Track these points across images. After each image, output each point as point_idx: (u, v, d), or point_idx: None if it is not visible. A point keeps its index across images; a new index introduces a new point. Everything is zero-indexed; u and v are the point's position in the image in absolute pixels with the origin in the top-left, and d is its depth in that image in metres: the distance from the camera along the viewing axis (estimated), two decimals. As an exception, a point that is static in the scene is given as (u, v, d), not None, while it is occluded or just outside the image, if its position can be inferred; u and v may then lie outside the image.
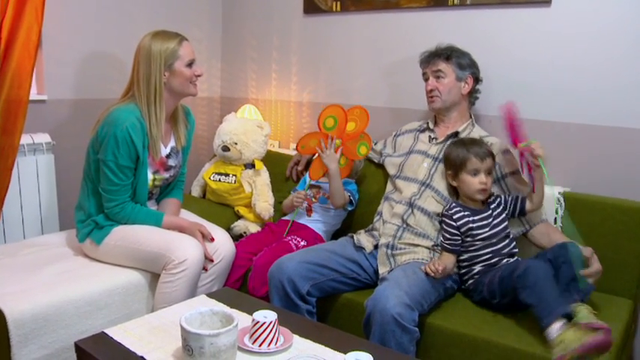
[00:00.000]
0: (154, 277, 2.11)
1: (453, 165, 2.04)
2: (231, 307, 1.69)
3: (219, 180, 2.73)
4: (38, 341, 1.78)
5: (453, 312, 1.90)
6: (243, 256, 2.30)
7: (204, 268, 2.13)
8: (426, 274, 1.88)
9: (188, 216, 2.36)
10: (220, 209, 2.72)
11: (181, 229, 2.16)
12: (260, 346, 1.49)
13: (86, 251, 2.19)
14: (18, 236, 2.49)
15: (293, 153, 2.83)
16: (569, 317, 1.59)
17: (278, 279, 1.98)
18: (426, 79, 2.26)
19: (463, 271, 2.02)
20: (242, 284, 2.28)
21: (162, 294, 2.03)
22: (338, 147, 2.32)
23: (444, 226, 2.02)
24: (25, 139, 2.46)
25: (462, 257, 2.01)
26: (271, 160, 2.84)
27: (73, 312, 1.87)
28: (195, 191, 2.90)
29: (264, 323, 1.50)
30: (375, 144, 2.53)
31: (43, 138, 2.55)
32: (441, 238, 2.04)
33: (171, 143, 2.26)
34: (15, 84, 2.28)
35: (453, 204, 2.03)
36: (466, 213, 1.99)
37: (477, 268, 1.97)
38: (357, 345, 1.51)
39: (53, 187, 2.60)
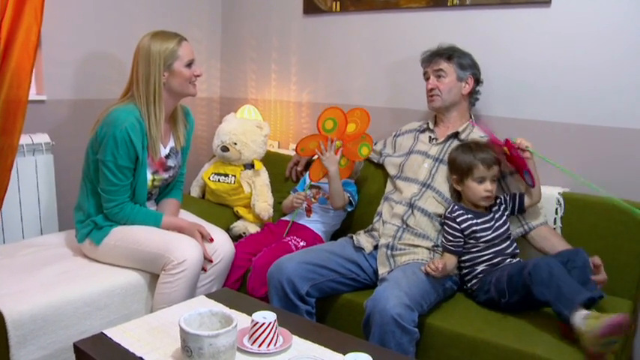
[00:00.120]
0: (153, 278, 2.10)
1: (458, 170, 2.02)
2: (230, 308, 1.69)
3: (219, 180, 2.73)
4: (37, 342, 1.78)
5: (453, 313, 1.90)
6: (243, 257, 2.29)
7: (204, 269, 2.13)
8: (426, 273, 1.87)
9: (187, 216, 2.36)
10: (219, 210, 2.72)
11: (180, 230, 2.16)
12: (259, 346, 1.49)
13: (85, 252, 2.19)
14: (17, 236, 2.49)
15: (292, 153, 2.83)
16: (587, 307, 1.61)
17: (277, 279, 1.98)
18: (427, 79, 2.26)
19: (465, 271, 2.01)
20: (241, 285, 2.28)
21: (162, 294, 2.03)
22: (338, 148, 2.31)
23: (447, 228, 2.02)
24: (25, 140, 2.45)
25: (463, 258, 2.00)
26: (271, 160, 2.84)
27: (72, 313, 1.87)
28: (195, 191, 2.90)
29: (264, 324, 1.49)
30: (375, 144, 2.52)
31: (42, 138, 2.54)
32: (443, 239, 2.04)
33: (171, 143, 2.25)
34: (14, 84, 2.28)
35: (456, 207, 2.03)
36: (469, 216, 1.99)
37: (480, 267, 1.97)
38: (357, 346, 1.51)
39: (52, 187, 2.59)
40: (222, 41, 3.41)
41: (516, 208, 2.03)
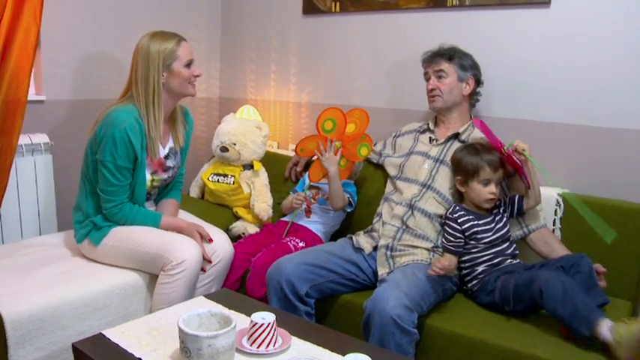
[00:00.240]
0: (152, 278, 2.10)
1: (464, 171, 2.02)
2: (229, 309, 1.69)
3: (218, 181, 2.72)
4: (35, 342, 1.78)
5: (453, 313, 1.90)
6: (242, 257, 2.29)
7: (203, 269, 2.12)
8: (431, 274, 1.87)
9: (186, 217, 2.35)
10: (219, 210, 2.72)
11: (179, 230, 2.16)
12: (258, 347, 1.49)
13: (84, 252, 2.18)
14: (16, 237, 2.49)
15: (292, 154, 2.83)
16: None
17: (276, 280, 1.98)
18: (428, 79, 2.26)
19: (465, 272, 2.01)
20: (240, 285, 2.28)
21: (161, 295, 2.02)
22: (338, 149, 2.31)
23: (447, 229, 2.02)
24: (23, 140, 2.45)
25: (463, 258, 2.00)
26: (270, 160, 2.83)
27: (71, 313, 1.86)
28: (194, 192, 2.90)
29: (263, 325, 1.49)
30: (375, 145, 2.52)
31: (41, 138, 2.54)
32: (443, 240, 2.03)
33: (170, 144, 2.25)
34: (13, 84, 2.28)
35: (457, 207, 2.03)
36: (470, 217, 1.99)
37: (481, 268, 1.97)
38: (356, 347, 1.50)
39: (51, 187, 2.59)
40: (222, 41, 3.41)
41: (515, 210, 2.03)
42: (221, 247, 2.20)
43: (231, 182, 2.70)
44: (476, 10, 2.42)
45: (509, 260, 1.97)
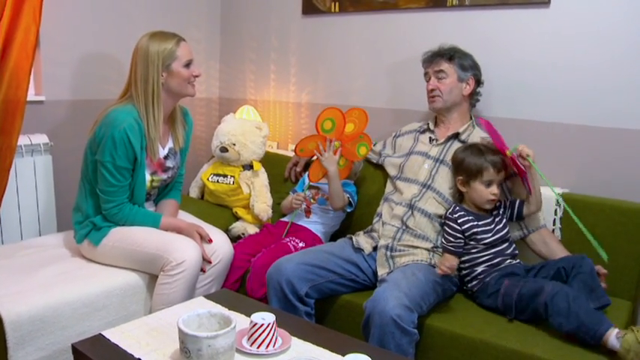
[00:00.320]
0: (152, 279, 2.10)
1: (466, 172, 2.01)
2: (229, 309, 1.69)
3: (218, 181, 2.72)
4: (35, 343, 1.77)
5: (453, 314, 1.90)
6: (242, 258, 2.29)
7: (202, 270, 2.12)
8: (440, 273, 1.87)
9: (186, 217, 2.35)
10: (218, 210, 2.72)
11: (179, 231, 2.16)
12: (258, 348, 1.49)
13: (84, 252, 2.18)
14: (15, 237, 2.48)
15: (291, 154, 2.83)
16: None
17: (276, 280, 1.98)
18: (428, 79, 2.26)
19: (464, 272, 2.01)
20: (240, 286, 2.28)
21: (160, 295, 2.02)
22: (337, 149, 2.31)
23: (447, 229, 2.01)
24: (23, 140, 2.44)
25: (463, 259, 2.00)
26: (270, 161, 2.83)
27: (70, 314, 1.86)
28: (194, 192, 2.89)
29: (263, 325, 1.49)
30: (375, 145, 2.52)
31: (41, 139, 2.53)
32: (443, 240, 2.03)
33: (169, 144, 2.25)
34: (13, 84, 2.28)
35: (457, 207, 2.03)
36: (470, 217, 1.99)
37: (480, 268, 1.96)
38: (356, 347, 1.50)
39: (51, 188, 2.59)
40: (221, 42, 3.41)
41: (515, 214, 2.03)
42: (221, 247, 2.20)
43: (231, 182, 2.70)
44: (475, 10, 2.42)
45: (508, 260, 1.97)
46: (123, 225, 2.13)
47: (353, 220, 2.53)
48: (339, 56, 2.90)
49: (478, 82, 2.26)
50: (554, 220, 2.14)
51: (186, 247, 2.05)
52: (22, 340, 1.74)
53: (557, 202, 2.13)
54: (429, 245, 2.07)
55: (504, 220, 2.02)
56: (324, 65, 2.96)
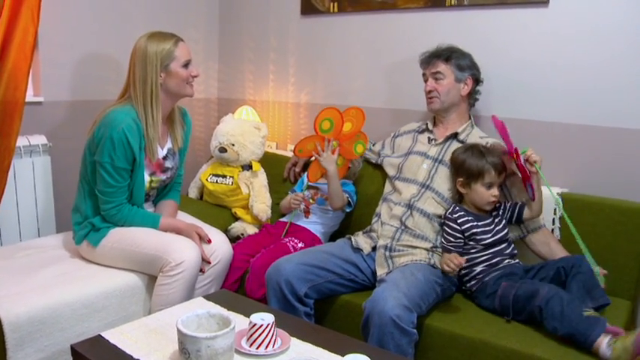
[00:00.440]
0: (151, 280, 2.10)
1: (467, 173, 2.00)
2: (228, 310, 1.69)
3: (217, 181, 2.72)
4: (34, 344, 1.77)
5: (452, 314, 1.90)
6: (241, 258, 2.29)
7: (202, 270, 2.12)
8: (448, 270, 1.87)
9: (185, 218, 2.35)
10: (217, 211, 2.72)
11: (178, 231, 2.15)
12: (257, 348, 1.48)
13: (83, 253, 2.18)
14: (14, 238, 2.48)
15: (290, 154, 2.82)
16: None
17: (275, 281, 1.98)
18: (425, 80, 2.26)
19: (463, 272, 2.01)
20: (239, 286, 2.27)
21: (159, 296, 2.02)
22: (335, 148, 2.31)
23: (447, 229, 2.01)
24: (22, 141, 2.44)
25: (462, 258, 2.00)
26: (269, 161, 2.83)
27: (70, 315, 1.86)
28: (193, 193, 2.89)
29: (262, 325, 1.49)
30: (374, 145, 2.52)
31: (40, 140, 2.53)
32: (442, 240, 2.03)
33: (168, 145, 2.25)
34: (11, 85, 2.27)
35: (457, 208, 2.03)
36: (470, 218, 1.99)
37: (479, 268, 1.96)
38: (355, 347, 1.50)
39: (50, 189, 2.58)
40: (220, 42, 3.40)
41: (514, 217, 2.03)
42: (220, 247, 2.20)
43: (230, 183, 2.69)
44: (474, 10, 2.42)
45: (507, 260, 1.97)
46: (122, 226, 2.13)
47: (352, 220, 2.53)
48: (337, 56, 2.90)
49: (477, 82, 2.26)
50: (554, 219, 2.14)
51: (186, 247, 2.05)
52: (21, 342, 1.73)
53: (557, 203, 2.13)
54: (428, 245, 2.07)
55: (504, 221, 2.02)
56: (322, 65, 2.96)
